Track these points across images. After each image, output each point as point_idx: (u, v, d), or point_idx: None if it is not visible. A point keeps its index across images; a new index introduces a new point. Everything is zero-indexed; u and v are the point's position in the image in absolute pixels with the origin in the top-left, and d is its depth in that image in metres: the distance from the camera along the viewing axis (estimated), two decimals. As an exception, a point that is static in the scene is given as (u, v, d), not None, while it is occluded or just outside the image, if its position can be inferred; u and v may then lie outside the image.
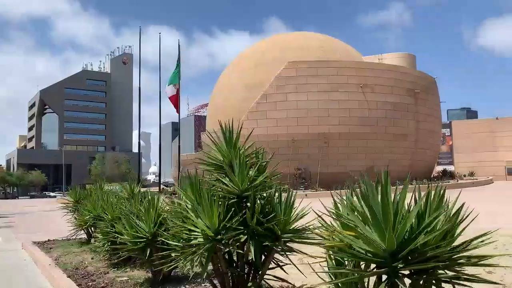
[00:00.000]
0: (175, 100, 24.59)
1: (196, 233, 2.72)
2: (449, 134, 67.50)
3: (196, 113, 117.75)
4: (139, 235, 4.02)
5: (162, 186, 32.98)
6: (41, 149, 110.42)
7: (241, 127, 3.91)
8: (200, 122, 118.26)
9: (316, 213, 2.63)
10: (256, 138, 25.96)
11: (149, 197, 4.37)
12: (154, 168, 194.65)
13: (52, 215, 20.67)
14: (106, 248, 5.18)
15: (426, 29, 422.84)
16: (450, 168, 55.04)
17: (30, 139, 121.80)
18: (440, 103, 38.90)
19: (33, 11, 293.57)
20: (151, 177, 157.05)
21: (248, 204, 2.83)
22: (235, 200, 2.91)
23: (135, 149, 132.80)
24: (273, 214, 2.93)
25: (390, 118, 32.29)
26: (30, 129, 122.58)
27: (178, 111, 24.14)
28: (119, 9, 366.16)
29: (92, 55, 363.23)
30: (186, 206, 3.09)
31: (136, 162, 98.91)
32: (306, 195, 26.71)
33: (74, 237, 8.18)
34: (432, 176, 37.86)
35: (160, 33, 27.66)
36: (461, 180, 35.92)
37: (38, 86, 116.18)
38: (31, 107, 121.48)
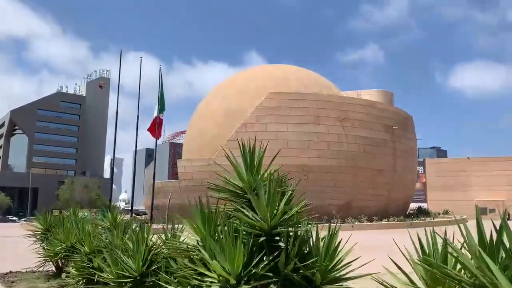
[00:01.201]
0: (154, 126, 23.96)
1: (212, 279, 2.11)
2: (422, 171, 68.57)
3: (172, 141, 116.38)
4: (124, 273, 3.39)
5: (133, 214, 31.77)
6: (7, 171, 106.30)
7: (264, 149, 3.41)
8: (175, 149, 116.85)
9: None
10: (235, 168, 24.85)
11: (138, 228, 3.75)
12: (124, 195, 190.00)
13: (15, 242, 19.29)
14: (81, 287, 4.47)
15: (399, 69, 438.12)
16: (423, 205, 55.46)
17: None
18: (416, 140, 39.46)
19: (12, 31, 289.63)
20: (122, 204, 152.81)
21: (280, 243, 2.20)
22: (262, 238, 2.30)
23: (106, 175, 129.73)
24: (314, 258, 2.27)
25: (368, 153, 32.38)
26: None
27: (158, 137, 23.52)
28: (98, 34, 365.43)
29: (69, 78, 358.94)
30: (198, 243, 2.48)
31: (106, 188, 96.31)
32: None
33: (40, 269, 7.29)
34: (407, 213, 37.92)
35: (141, 57, 27.20)
36: (437, 218, 36.05)
37: (9, 106, 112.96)
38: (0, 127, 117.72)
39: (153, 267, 3.44)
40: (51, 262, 7.02)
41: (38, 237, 7.65)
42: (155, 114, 25.56)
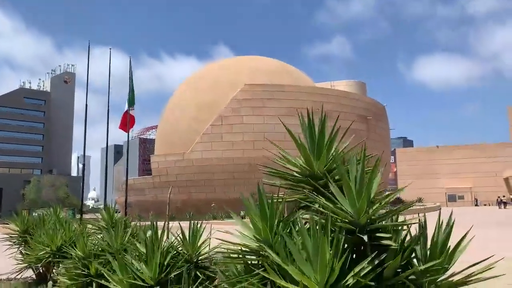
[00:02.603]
0: (125, 121, 22.94)
1: None
2: (393, 161, 69.69)
3: (141, 136, 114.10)
4: (137, 282, 2.82)
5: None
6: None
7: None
8: (145, 145, 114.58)
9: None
10: (210, 162, 24.74)
11: (152, 228, 3.17)
12: (93, 193, 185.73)
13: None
14: None
15: (365, 61, 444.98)
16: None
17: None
18: (389, 130, 39.85)
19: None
20: (90, 203, 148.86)
21: (385, 241, 1.67)
22: (353, 236, 1.78)
23: (73, 173, 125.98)
24: (432, 262, 1.72)
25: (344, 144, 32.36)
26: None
27: (128, 131, 22.49)
28: (62, 29, 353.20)
29: (32, 75, 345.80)
30: (260, 244, 1.93)
31: (74, 187, 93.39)
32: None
33: (17, 276, 6.53)
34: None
35: (110, 48, 26.03)
36: (412, 207, 36.52)
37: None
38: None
39: (173, 273, 2.90)
40: (31, 269, 6.31)
41: (14, 240, 6.85)
42: (126, 108, 24.54)
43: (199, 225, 3.31)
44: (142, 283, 2.86)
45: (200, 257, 3.20)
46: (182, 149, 32.01)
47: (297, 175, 2.34)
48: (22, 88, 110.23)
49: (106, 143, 23.75)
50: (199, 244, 3.24)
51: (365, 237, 1.72)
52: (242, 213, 29.65)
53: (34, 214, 42.00)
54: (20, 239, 6.75)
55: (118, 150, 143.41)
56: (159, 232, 3.32)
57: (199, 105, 33.52)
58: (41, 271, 6.17)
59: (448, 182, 64.17)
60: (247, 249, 2.07)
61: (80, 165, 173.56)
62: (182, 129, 33.55)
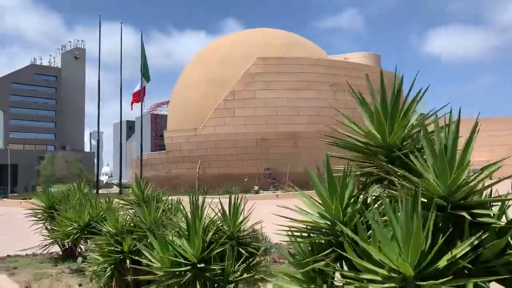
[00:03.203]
0: (138, 96, 22.88)
1: (373, 276, 1.40)
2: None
3: (153, 112, 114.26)
4: (178, 260, 2.66)
5: (121, 187, 30.93)
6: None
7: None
8: (156, 121, 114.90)
9: None
10: (223, 137, 24.61)
11: (192, 203, 2.97)
12: (106, 169, 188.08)
13: (2, 220, 18.32)
14: (109, 274, 3.71)
15: (377, 34, 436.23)
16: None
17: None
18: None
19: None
20: (104, 178, 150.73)
21: (486, 219, 1.45)
22: (444, 212, 1.57)
23: (86, 149, 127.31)
24: None
25: (359, 118, 31.91)
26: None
27: (141, 103, 22.49)
28: (70, 5, 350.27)
29: (42, 52, 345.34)
30: (328, 221, 1.72)
31: (88, 162, 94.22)
32: (277, 195, 25.75)
33: (43, 251, 6.47)
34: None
35: (121, 23, 25.69)
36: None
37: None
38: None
39: (216, 250, 2.72)
40: (57, 245, 6.25)
41: (39, 216, 6.77)
42: (142, 84, 24.38)
43: (238, 200, 3.12)
44: (184, 261, 2.69)
45: (241, 234, 3.04)
46: (195, 124, 31.90)
47: (367, 145, 2.11)
48: (33, 64, 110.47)
49: (120, 119, 23.73)
50: (239, 220, 3.07)
51: (465, 214, 1.50)
52: (256, 187, 29.50)
53: (50, 190, 42.71)
54: (45, 214, 6.68)
55: (130, 126, 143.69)
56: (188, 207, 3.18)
57: (210, 80, 33.19)
58: (67, 246, 6.11)
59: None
60: (314, 227, 1.87)
61: (93, 141, 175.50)
62: (194, 104, 33.35)
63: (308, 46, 37.42)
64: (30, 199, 33.10)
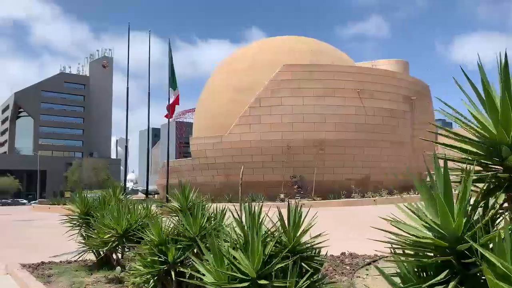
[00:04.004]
0: (173, 108, 23.24)
1: None
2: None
3: (178, 119, 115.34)
4: (236, 274, 2.41)
5: (148, 194, 31.07)
6: (14, 154, 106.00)
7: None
8: (181, 128, 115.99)
9: None
10: (248, 144, 24.35)
11: (249, 210, 2.70)
12: (132, 175, 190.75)
13: (33, 226, 18.57)
14: (152, 286, 3.49)
15: (402, 42, 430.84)
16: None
17: (2, 144, 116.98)
18: (433, 110, 38.26)
19: (11, 15, 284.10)
20: (129, 185, 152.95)
21: None
22: None
23: (113, 155, 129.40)
24: None
25: (387, 125, 31.32)
26: (2, 133, 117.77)
27: (171, 114, 22.66)
28: (97, 15, 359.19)
29: (70, 60, 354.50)
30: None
31: (113, 169, 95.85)
32: (303, 204, 25.34)
33: (76, 258, 6.36)
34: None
35: (149, 31, 25.98)
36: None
37: (12, 89, 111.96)
38: (4, 110, 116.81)
39: (279, 265, 2.46)
40: (92, 252, 6.11)
41: (74, 222, 6.66)
42: (172, 93, 24.56)
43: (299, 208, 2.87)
44: (241, 276, 2.45)
45: (303, 246, 2.79)
46: (220, 131, 31.85)
47: (490, 142, 1.83)
48: (63, 72, 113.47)
49: (148, 126, 23.84)
50: (300, 231, 2.82)
51: None
52: (281, 195, 29.18)
53: (85, 195, 43.38)
54: (80, 220, 6.57)
55: (155, 134, 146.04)
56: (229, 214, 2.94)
57: (236, 88, 33.14)
58: (102, 254, 5.98)
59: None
60: (417, 242, 1.60)
61: (119, 148, 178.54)
62: (220, 111, 33.33)
63: (335, 53, 37.04)
64: (59, 204, 33.73)
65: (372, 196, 28.05)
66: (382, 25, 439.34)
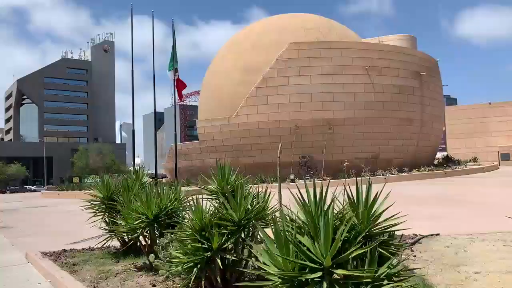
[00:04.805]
0: (178, 85, 22.83)
1: None
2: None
3: (181, 102, 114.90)
4: (306, 263, 2.12)
5: (157, 178, 30.95)
6: (19, 141, 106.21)
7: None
8: (185, 111, 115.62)
9: None
10: (256, 125, 24.01)
11: (313, 192, 2.40)
12: (137, 160, 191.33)
13: (46, 212, 18.46)
14: (196, 274, 3.22)
15: (405, 18, 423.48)
16: (443, 154, 54.27)
17: (7, 131, 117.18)
18: (442, 86, 37.67)
19: (10, 2, 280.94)
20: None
21: None
22: None
23: (117, 140, 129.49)
24: None
25: (396, 102, 30.83)
26: (7, 120, 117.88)
27: (180, 97, 22.31)
28: (98, 0, 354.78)
29: (72, 47, 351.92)
30: None
31: (118, 154, 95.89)
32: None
33: (99, 245, 6.10)
34: (435, 162, 36.75)
35: (153, 11, 25.40)
36: (470, 166, 34.85)
37: (15, 76, 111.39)
38: (7, 97, 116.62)
39: (355, 252, 2.17)
40: (116, 239, 5.87)
41: (96, 208, 6.37)
42: (175, 73, 24.14)
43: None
44: (312, 264, 2.17)
45: (378, 230, 2.51)
46: (227, 113, 31.48)
47: None
48: (64, 58, 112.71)
49: (154, 109, 23.57)
50: (374, 212, 2.53)
51: None
52: (291, 176, 28.97)
53: (86, 181, 43.10)
54: (103, 206, 6.30)
55: (159, 118, 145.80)
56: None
57: (242, 68, 32.61)
58: (127, 241, 5.73)
59: (502, 140, 61.01)
60: None
61: (123, 133, 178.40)
62: (226, 93, 32.89)
63: (342, 30, 36.29)
64: (68, 190, 33.75)
65: (382, 174, 27.79)
66: (384, 2, 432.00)
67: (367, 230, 2.43)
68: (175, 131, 25.20)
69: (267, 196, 3.55)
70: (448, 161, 36.49)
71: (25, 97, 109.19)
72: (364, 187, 2.60)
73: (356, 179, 2.59)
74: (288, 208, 2.71)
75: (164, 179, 41.08)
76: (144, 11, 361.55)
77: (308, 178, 28.21)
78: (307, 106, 29.49)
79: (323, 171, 29.15)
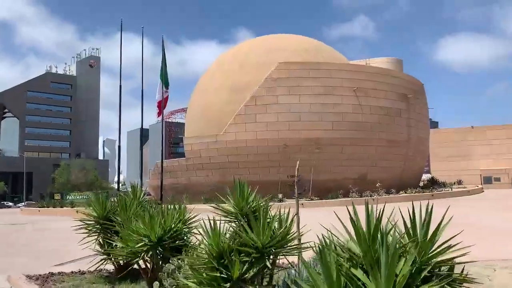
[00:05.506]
0: (162, 104, 22.63)
1: None
2: (425, 142, 67.46)
3: (167, 119, 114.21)
4: None
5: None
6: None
7: None
8: (171, 128, 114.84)
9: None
10: (244, 143, 23.82)
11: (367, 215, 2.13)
12: (121, 177, 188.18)
13: (27, 230, 17.68)
14: None
15: (388, 43, 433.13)
16: (427, 176, 54.73)
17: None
18: (428, 109, 38.18)
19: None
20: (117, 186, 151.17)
21: None
22: None
23: (100, 156, 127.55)
24: None
25: (383, 124, 31.04)
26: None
27: (161, 115, 22.09)
28: (84, 16, 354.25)
29: (56, 61, 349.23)
30: None
31: (101, 170, 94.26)
32: (302, 204, 24.87)
33: (90, 267, 5.65)
34: (421, 184, 36.94)
35: (142, 27, 25.27)
36: (456, 189, 35.07)
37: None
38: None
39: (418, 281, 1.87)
40: (111, 261, 5.46)
41: (90, 228, 5.91)
42: (163, 90, 23.89)
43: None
44: None
45: (443, 262, 2.24)
46: (215, 131, 31.24)
47: None
48: (49, 72, 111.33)
49: (141, 125, 23.21)
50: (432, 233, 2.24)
51: None
52: (280, 195, 28.69)
53: (67, 198, 41.93)
54: (97, 226, 5.89)
55: (144, 134, 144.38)
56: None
57: (230, 87, 32.55)
58: (122, 264, 5.35)
59: (483, 163, 61.95)
60: None
61: (106, 149, 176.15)
62: (214, 110, 32.70)
63: (330, 52, 36.68)
64: (49, 207, 32.76)
65: (370, 195, 27.73)
66: (368, 26, 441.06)
67: (428, 262, 2.19)
68: (162, 147, 24.79)
69: (290, 220, 3.28)
70: (433, 183, 36.73)
71: (6, 110, 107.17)
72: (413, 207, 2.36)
73: (412, 203, 2.35)
74: (331, 233, 2.45)
75: (148, 197, 40.38)
76: (131, 29, 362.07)
77: (296, 198, 27.96)
78: (296, 125, 29.46)
79: (311, 191, 29.04)
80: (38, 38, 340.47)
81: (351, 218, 2.18)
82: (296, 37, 38.54)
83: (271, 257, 3.19)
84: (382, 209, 2.39)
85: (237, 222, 3.56)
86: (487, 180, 60.09)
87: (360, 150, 30.06)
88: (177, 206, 4.61)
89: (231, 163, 30.36)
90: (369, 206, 2.28)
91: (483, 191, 36.50)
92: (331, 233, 2.44)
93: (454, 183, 40.23)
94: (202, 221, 3.44)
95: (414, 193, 29.41)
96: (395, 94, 31.75)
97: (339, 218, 2.62)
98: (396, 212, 2.74)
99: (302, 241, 3.38)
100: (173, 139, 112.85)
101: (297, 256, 3.25)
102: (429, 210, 2.18)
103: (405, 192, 29.70)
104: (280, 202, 25.04)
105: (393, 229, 2.22)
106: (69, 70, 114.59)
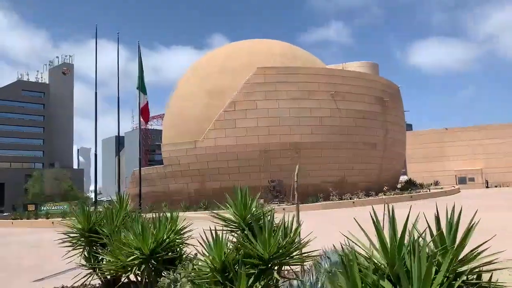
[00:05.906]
0: (146, 111, 22.29)
1: None
2: (400, 144, 68.61)
3: (143, 126, 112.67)
4: None
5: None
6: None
7: None
8: (147, 135, 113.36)
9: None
10: (224, 149, 23.64)
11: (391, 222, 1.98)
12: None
13: (1, 243, 16.98)
14: None
15: (363, 47, 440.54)
16: (404, 177, 55.59)
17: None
18: (404, 112, 38.79)
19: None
20: (92, 196, 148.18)
21: None
22: None
23: (75, 165, 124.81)
24: None
25: (360, 127, 31.35)
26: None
27: (146, 121, 21.71)
28: (56, 23, 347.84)
29: (27, 69, 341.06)
30: None
31: (76, 180, 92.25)
32: (283, 209, 24.81)
33: (74, 283, 5.37)
34: (399, 186, 37.43)
35: (118, 33, 24.86)
36: (433, 189, 35.69)
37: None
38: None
39: None
40: (97, 276, 5.18)
41: (74, 241, 5.58)
42: (141, 97, 23.53)
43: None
44: None
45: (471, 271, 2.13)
46: (194, 137, 30.91)
47: None
48: (20, 80, 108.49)
49: (118, 132, 22.76)
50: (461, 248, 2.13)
51: None
52: (261, 201, 28.66)
53: (42, 209, 40.58)
54: (82, 239, 5.60)
55: (120, 142, 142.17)
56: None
57: (207, 92, 32.31)
58: (109, 279, 5.10)
59: (458, 164, 63.42)
60: None
61: (81, 158, 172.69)
62: (193, 116, 32.37)
63: (307, 56, 36.89)
64: (22, 219, 31.71)
65: (350, 198, 27.93)
66: (342, 31, 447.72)
67: (457, 271, 2.08)
68: (140, 154, 24.36)
69: (294, 229, 3.15)
70: (411, 184, 37.28)
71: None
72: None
73: (447, 209, 2.22)
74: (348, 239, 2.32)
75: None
76: (104, 36, 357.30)
77: (276, 203, 27.90)
78: (275, 130, 29.45)
79: (291, 195, 29.02)
80: (9, 45, 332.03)
81: (375, 225, 2.05)
82: (273, 42, 38.63)
83: (276, 268, 3.07)
84: (391, 213, 2.28)
85: (239, 232, 3.41)
86: (462, 181, 61.48)
87: (338, 154, 30.27)
88: (168, 215, 4.41)
89: (211, 169, 30.10)
90: (389, 209, 2.16)
91: (459, 192, 37.24)
92: (350, 240, 2.32)
93: (431, 184, 40.92)
94: (202, 230, 3.27)
95: (394, 195, 29.76)
96: (371, 98, 32.14)
97: (358, 224, 2.50)
98: (403, 215, 2.66)
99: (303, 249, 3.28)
100: (150, 146, 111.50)
101: (299, 265, 3.15)
102: (455, 214, 2.06)
103: (384, 194, 30.02)
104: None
105: (421, 237, 2.10)
106: (42, 78, 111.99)
